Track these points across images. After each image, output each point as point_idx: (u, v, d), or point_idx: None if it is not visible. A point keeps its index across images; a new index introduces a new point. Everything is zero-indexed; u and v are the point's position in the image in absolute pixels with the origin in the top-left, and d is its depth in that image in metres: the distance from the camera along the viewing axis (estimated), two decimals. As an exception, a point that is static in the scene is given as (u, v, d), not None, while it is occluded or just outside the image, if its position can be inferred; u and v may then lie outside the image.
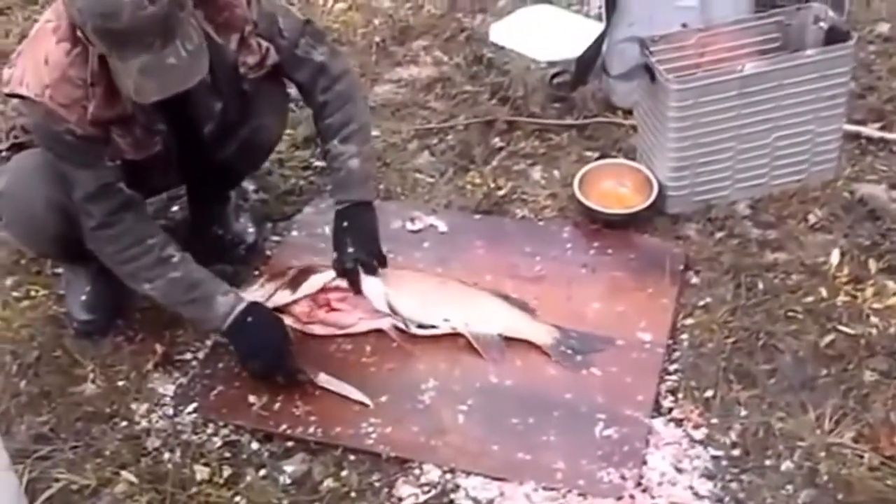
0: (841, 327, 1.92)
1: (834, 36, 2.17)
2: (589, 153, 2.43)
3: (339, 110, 1.97)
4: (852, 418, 1.75)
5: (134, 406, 1.90)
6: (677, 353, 1.92)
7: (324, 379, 1.87)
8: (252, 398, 1.87)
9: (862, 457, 1.69)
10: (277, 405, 1.85)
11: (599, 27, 2.53)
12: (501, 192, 2.35)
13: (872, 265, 2.05)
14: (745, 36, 2.24)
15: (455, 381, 1.88)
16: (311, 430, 1.80)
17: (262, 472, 1.76)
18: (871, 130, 2.41)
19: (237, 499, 1.72)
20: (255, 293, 1.99)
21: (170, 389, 1.93)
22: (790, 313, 1.96)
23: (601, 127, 2.51)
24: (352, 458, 1.76)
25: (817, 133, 2.22)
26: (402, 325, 1.96)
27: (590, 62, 2.50)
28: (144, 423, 1.87)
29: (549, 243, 2.18)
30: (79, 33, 1.67)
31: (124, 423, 1.87)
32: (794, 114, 2.18)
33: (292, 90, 2.11)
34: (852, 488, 1.65)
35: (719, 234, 2.17)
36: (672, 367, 1.89)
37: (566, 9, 3.01)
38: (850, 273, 2.03)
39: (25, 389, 1.95)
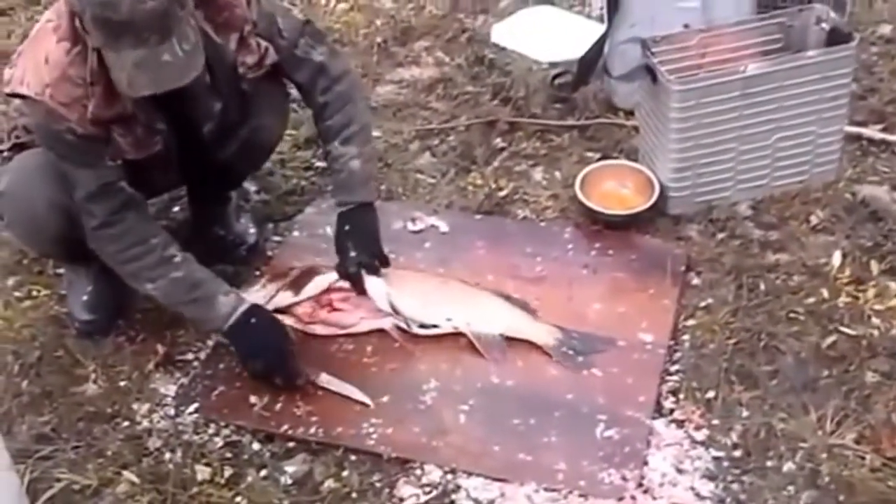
0: (842, 328, 1.92)
1: (836, 37, 2.17)
2: (590, 154, 2.43)
3: (340, 111, 1.97)
4: (854, 419, 1.75)
5: (135, 406, 1.90)
6: (678, 354, 1.92)
7: (325, 379, 1.87)
8: (253, 398, 1.87)
9: (863, 458, 1.69)
10: (279, 405, 1.85)
11: (601, 28, 2.53)
12: (503, 193, 2.35)
13: (874, 266, 2.05)
14: (747, 37, 2.24)
15: (456, 381, 1.88)
16: (313, 430, 1.81)
17: (264, 472, 1.76)
18: (872, 132, 2.41)
19: (238, 499, 1.72)
20: (256, 294, 1.99)
21: (171, 390, 1.93)
22: (792, 314, 1.96)
23: (603, 128, 2.51)
24: (353, 458, 1.76)
25: (819, 134, 2.21)
26: (403, 325, 1.96)
27: (591, 63, 2.50)
28: (146, 424, 1.87)
29: (550, 244, 2.18)
30: (76, 23, 1.67)
31: (126, 423, 1.87)
32: (796, 115, 2.17)
33: (293, 91, 2.11)
34: (854, 489, 1.65)
35: (721, 235, 2.17)
36: (673, 368, 1.89)
37: (568, 10, 3.01)
38: (851, 274, 2.03)
39: (27, 389, 1.95)
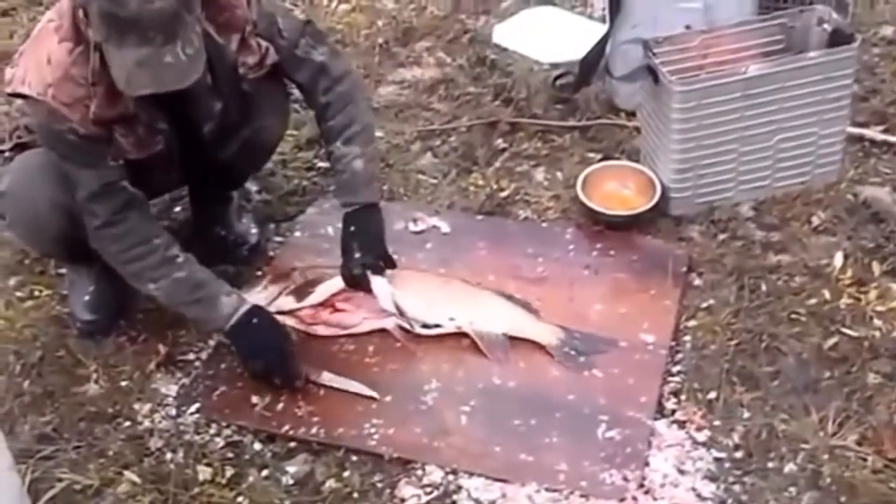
0: (844, 330, 1.92)
1: (837, 38, 2.17)
2: (592, 155, 2.43)
3: (341, 112, 1.97)
4: (855, 421, 1.75)
5: (137, 406, 1.90)
6: (680, 355, 1.92)
7: (328, 377, 1.87)
8: (255, 399, 1.87)
9: (865, 459, 1.69)
10: (280, 406, 1.85)
11: (603, 29, 2.53)
12: (504, 194, 2.35)
13: (876, 268, 2.05)
14: (749, 38, 2.24)
15: (458, 382, 1.88)
16: (314, 430, 1.81)
17: (265, 472, 1.76)
18: (874, 133, 2.41)
19: (239, 499, 1.72)
20: (257, 295, 1.99)
21: (172, 390, 1.93)
22: (793, 315, 1.96)
23: (604, 128, 2.51)
24: (354, 458, 1.76)
25: (821, 135, 2.21)
26: (406, 325, 1.96)
27: (593, 64, 2.50)
28: (147, 424, 1.87)
29: (551, 245, 2.18)
30: (80, 14, 1.67)
31: (127, 424, 1.87)
32: (798, 116, 2.17)
33: (294, 91, 2.11)
34: (855, 491, 1.65)
35: (722, 236, 2.17)
36: (675, 369, 1.89)
37: (569, 10, 3.01)
38: (853, 275, 2.03)
39: (29, 389, 1.95)
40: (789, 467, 1.69)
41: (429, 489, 1.71)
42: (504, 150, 2.49)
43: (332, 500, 1.70)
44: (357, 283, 1.97)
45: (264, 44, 1.89)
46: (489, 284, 2.06)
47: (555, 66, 2.72)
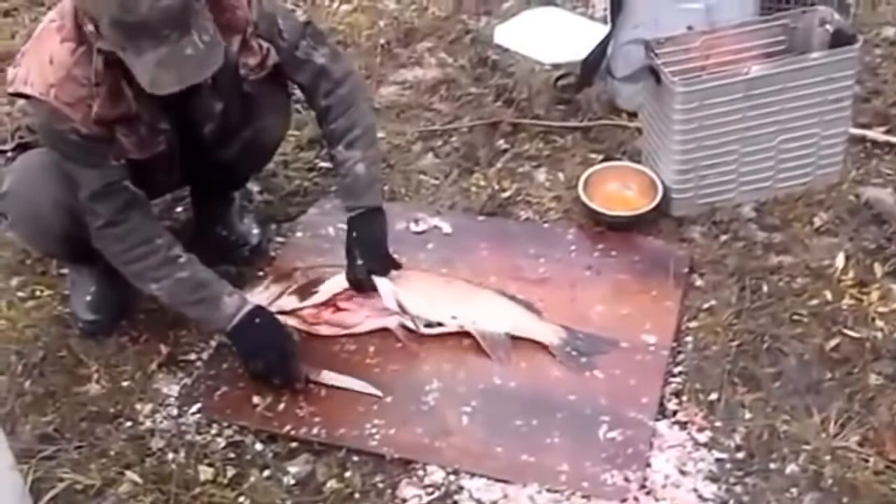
0: (846, 331, 1.92)
1: (839, 39, 2.17)
2: (593, 155, 2.43)
3: (343, 115, 1.97)
4: (857, 422, 1.75)
5: (138, 406, 1.90)
6: (682, 356, 1.91)
7: (328, 377, 1.87)
8: (256, 399, 1.87)
9: (867, 460, 1.69)
10: (281, 406, 1.86)
11: (604, 29, 2.53)
12: (506, 194, 2.35)
13: (878, 269, 2.05)
14: (751, 38, 2.24)
15: (459, 382, 1.88)
16: (315, 430, 1.81)
17: (266, 472, 1.76)
18: (876, 134, 2.40)
19: (241, 499, 1.72)
20: (259, 295, 2.00)
21: (174, 390, 1.94)
22: (795, 316, 1.96)
23: (606, 129, 2.51)
24: (355, 459, 1.76)
25: (822, 136, 2.21)
26: (409, 324, 1.96)
27: (595, 64, 2.50)
28: (149, 424, 1.87)
29: (553, 245, 2.18)
30: (89, 27, 1.67)
31: (129, 424, 1.87)
32: (800, 117, 2.17)
33: (296, 91, 2.11)
34: (857, 492, 1.65)
35: (724, 237, 2.17)
36: (676, 370, 1.89)
37: (571, 11, 3.01)
38: (855, 276, 2.03)
39: (30, 389, 1.95)
40: (791, 468, 1.69)
41: (430, 489, 1.71)
42: (505, 150, 2.49)
43: (333, 501, 1.70)
44: (362, 286, 1.98)
45: (265, 45, 1.90)
46: (491, 285, 2.06)
47: (556, 66, 2.72)
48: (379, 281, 1.97)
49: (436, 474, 1.73)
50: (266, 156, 2.22)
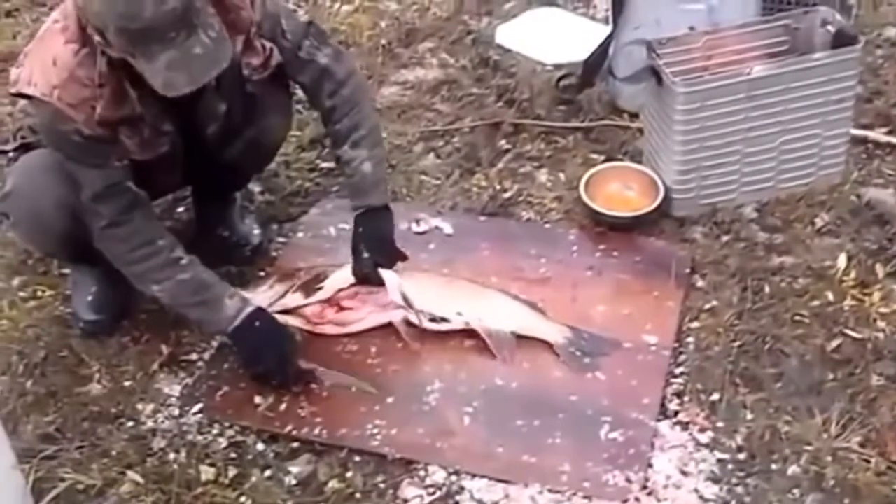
0: (848, 331, 1.92)
1: (841, 39, 2.17)
2: (595, 156, 2.43)
3: (347, 115, 1.97)
4: (859, 423, 1.74)
5: (140, 406, 1.90)
6: (683, 357, 1.91)
7: (328, 378, 1.87)
8: (258, 399, 1.87)
9: (869, 461, 1.69)
10: (283, 406, 1.86)
11: (606, 30, 2.53)
12: (507, 195, 2.35)
13: (879, 269, 2.05)
14: (753, 39, 2.24)
15: (461, 382, 1.88)
16: (317, 431, 1.81)
17: (268, 472, 1.76)
18: (878, 135, 2.40)
19: (242, 499, 1.72)
20: (264, 293, 2.00)
21: (175, 390, 1.94)
22: (797, 317, 1.96)
23: (607, 129, 2.51)
24: (357, 459, 1.76)
25: (824, 137, 2.21)
26: (413, 319, 1.95)
27: (596, 65, 2.50)
28: (150, 424, 1.87)
29: (554, 246, 2.18)
30: (96, 37, 1.67)
31: (130, 424, 1.87)
32: (802, 117, 2.17)
33: (298, 91, 2.11)
34: (859, 493, 1.65)
35: (725, 238, 2.17)
36: (678, 370, 1.89)
37: (572, 11, 3.01)
38: (856, 277, 2.03)
39: (32, 389, 1.95)
40: (792, 469, 1.69)
41: (431, 490, 1.71)
42: (507, 151, 2.49)
43: (334, 501, 1.70)
44: (368, 280, 1.98)
45: (269, 45, 1.90)
46: (492, 286, 2.06)
47: (558, 67, 2.72)
48: (385, 274, 1.97)
49: (437, 474, 1.73)
50: (268, 156, 2.22)
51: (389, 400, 1.85)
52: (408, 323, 1.96)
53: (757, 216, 2.22)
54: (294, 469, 1.76)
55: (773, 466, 1.70)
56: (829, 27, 2.20)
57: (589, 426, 1.77)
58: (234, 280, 2.00)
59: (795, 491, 1.66)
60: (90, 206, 1.83)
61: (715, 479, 1.69)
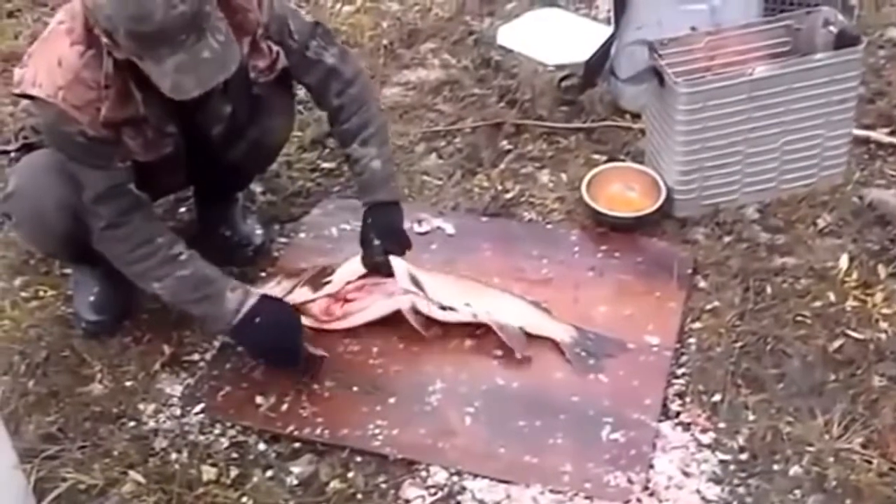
0: (850, 332, 1.92)
1: (843, 40, 2.16)
2: (597, 156, 2.43)
3: (355, 114, 1.98)
4: (861, 424, 1.74)
5: (141, 406, 1.91)
6: (685, 357, 1.91)
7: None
8: (259, 399, 1.87)
9: (870, 462, 1.69)
10: (285, 406, 1.86)
11: (608, 30, 2.53)
12: (509, 195, 2.35)
13: (881, 270, 2.05)
14: (755, 39, 2.24)
15: (462, 383, 1.88)
16: (318, 431, 1.81)
17: (269, 472, 1.76)
18: (880, 135, 2.40)
19: (244, 499, 1.72)
20: (272, 291, 1.98)
21: (177, 390, 1.94)
22: (799, 318, 1.96)
23: (609, 130, 2.51)
24: (358, 459, 1.76)
25: (826, 137, 2.21)
26: (421, 306, 1.94)
27: (598, 65, 2.50)
28: (152, 424, 1.87)
29: (556, 246, 2.18)
30: (104, 39, 1.68)
31: (132, 424, 1.87)
32: (804, 118, 2.17)
33: (299, 91, 2.11)
34: (861, 494, 1.64)
35: (727, 238, 2.17)
36: (680, 371, 1.89)
37: (574, 12, 3.01)
38: (858, 278, 2.03)
39: (33, 389, 1.95)
40: (794, 470, 1.69)
41: (433, 490, 1.71)
42: (509, 151, 2.49)
43: (336, 501, 1.70)
44: (378, 269, 1.98)
45: (275, 48, 1.90)
46: (494, 286, 2.05)
47: (560, 67, 2.72)
48: (394, 261, 1.97)
49: (439, 475, 1.73)
50: (271, 157, 2.23)
51: (391, 400, 1.85)
52: (416, 311, 1.96)
53: (759, 217, 2.22)
54: (296, 469, 1.76)
55: (775, 467, 1.70)
56: (832, 28, 2.20)
57: (590, 427, 1.77)
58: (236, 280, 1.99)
59: (797, 492, 1.66)
60: (91, 207, 1.83)
61: (717, 480, 1.69)
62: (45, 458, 1.79)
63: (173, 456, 1.80)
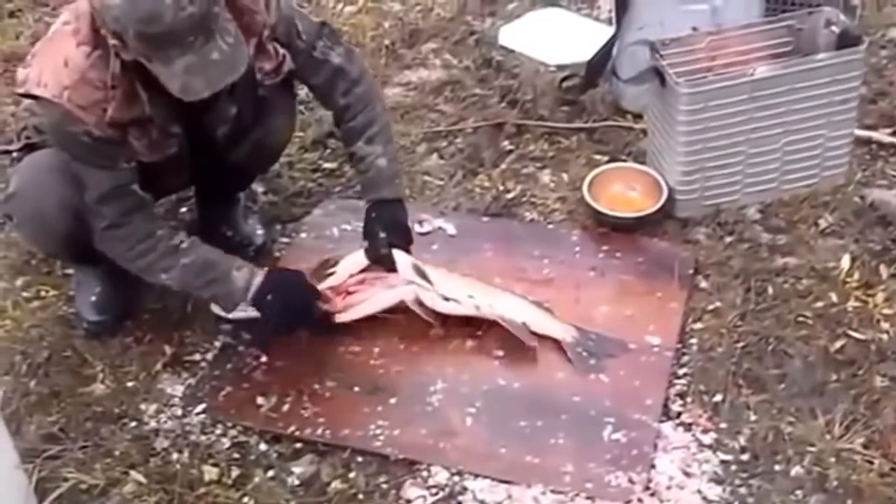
0: (851, 332, 1.91)
1: (845, 40, 2.16)
2: (598, 157, 2.43)
3: (361, 113, 1.99)
4: (862, 424, 1.74)
5: (143, 406, 1.91)
6: (686, 357, 1.91)
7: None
8: (260, 399, 1.87)
9: (872, 463, 1.69)
10: (286, 407, 1.86)
11: (609, 30, 2.53)
12: (510, 195, 2.35)
13: (883, 270, 2.05)
14: (756, 40, 2.24)
15: (463, 383, 1.88)
16: (320, 431, 1.81)
17: (271, 473, 1.76)
18: (882, 135, 2.40)
19: (245, 499, 1.72)
20: None
21: (178, 390, 1.94)
22: (800, 318, 1.96)
23: (611, 130, 2.51)
24: (360, 459, 1.77)
25: (828, 137, 2.21)
26: (425, 298, 1.94)
27: (600, 66, 2.50)
28: (153, 424, 1.87)
29: (557, 246, 2.18)
30: (113, 40, 1.68)
31: (133, 424, 1.87)
32: (805, 118, 2.17)
33: (300, 92, 2.11)
34: (862, 494, 1.64)
35: (729, 239, 2.16)
36: (681, 371, 1.89)
37: (576, 12, 3.01)
38: (860, 278, 2.03)
39: (35, 389, 1.95)
40: (796, 470, 1.69)
41: (434, 490, 1.71)
42: (510, 151, 2.49)
43: (337, 501, 1.70)
44: (382, 261, 1.99)
45: (282, 51, 1.91)
46: (495, 286, 2.05)
47: (561, 67, 2.72)
48: (398, 254, 1.97)
49: (440, 475, 1.73)
50: (273, 157, 2.23)
51: (392, 401, 1.85)
52: (419, 303, 1.95)
53: (760, 217, 2.21)
54: (297, 469, 1.76)
55: (777, 467, 1.70)
56: (833, 28, 2.19)
57: (592, 427, 1.77)
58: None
59: (798, 492, 1.66)
60: (94, 207, 1.83)
61: (718, 480, 1.69)
62: (47, 458, 1.79)
63: (174, 456, 1.80)
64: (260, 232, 2.26)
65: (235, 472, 1.76)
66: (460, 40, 2.92)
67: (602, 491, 1.67)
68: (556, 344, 1.92)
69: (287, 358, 1.95)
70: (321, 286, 2.00)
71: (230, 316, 2.00)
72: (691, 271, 2.08)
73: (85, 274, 2.10)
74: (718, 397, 1.82)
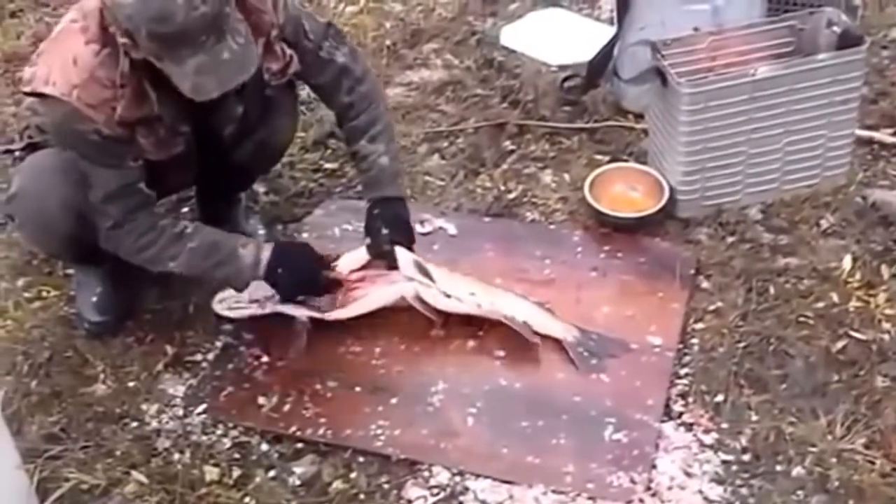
0: (853, 333, 1.91)
1: (847, 40, 2.16)
2: (600, 157, 2.43)
3: (365, 111, 2.00)
4: (864, 424, 1.74)
5: (144, 407, 1.91)
6: (688, 358, 1.91)
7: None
8: (262, 399, 1.87)
9: (873, 463, 1.69)
10: (287, 407, 1.86)
11: (611, 31, 2.53)
12: (511, 196, 2.35)
13: (885, 271, 2.04)
14: (758, 40, 2.24)
15: (464, 383, 1.88)
16: (321, 431, 1.81)
17: (272, 473, 1.76)
18: (883, 136, 2.40)
19: (246, 500, 1.72)
20: None
21: (180, 390, 1.94)
22: (801, 318, 1.96)
23: (612, 130, 2.51)
24: (361, 459, 1.77)
25: (829, 138, 2.21)
26: (426, 295, 1.94)
27: (601, 66, 2.50)
28: (154, 424, 1.87)
29: (559, 247, 2.18)
30: (123, 39, 1.68)
31: (135, 424, 1.87)
32: (807, 118, 2.17)
33: (301, 92, 2.11)
34: (863, 494, 1.64)
35: (730, 239, 2.16)
36: (682, 372, 1.88)
37: (577, 12, 3.01)
38: (862, 278, 2.02)
39: (36, 389, 1.95)
40: (797, 470, 1.69)
41: (435, 490, 1.71)
42: (511, 151, 2.49)
43: (338, 501, 1.71)
44: (384, 257, 1.99)
45: (289, 52, 1.91)
46: (496, 287, 2.05)
47: (562, 68, 2.72)
48: (399, 250, 1.97)
49: (441, 475, 1.73)
50: (276, 157, 2.24)
51: (393, 401, 1.85)
52: (420, 299, 1.95)
53: (762, 217, 2.21)
54: (298, 469, 1.76)
55: (778, 468, 1.70)
56: (835, 28, 2.19)
57: (593, 427, 1.77)
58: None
59: (800, 492, 1.66)
60: (99, 206, 1.84)
61: (719, 481, 1.69)
62: (48, 458, 1.79)
63: (176, 456, 1.80)
64: (261, 232, 2.26)
65: (237, 473, 1.76)
66: (462, 40, 2.92)
67: (603, 491, 1.67)
68: (558, 344, 1.92)
69: (288, 358, 1.95)
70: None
71: (232, 315, 2.01)
72: (693, 271, 2.08)
73: (86, 274, 2.10)
74: (720, 397, 1.82)
